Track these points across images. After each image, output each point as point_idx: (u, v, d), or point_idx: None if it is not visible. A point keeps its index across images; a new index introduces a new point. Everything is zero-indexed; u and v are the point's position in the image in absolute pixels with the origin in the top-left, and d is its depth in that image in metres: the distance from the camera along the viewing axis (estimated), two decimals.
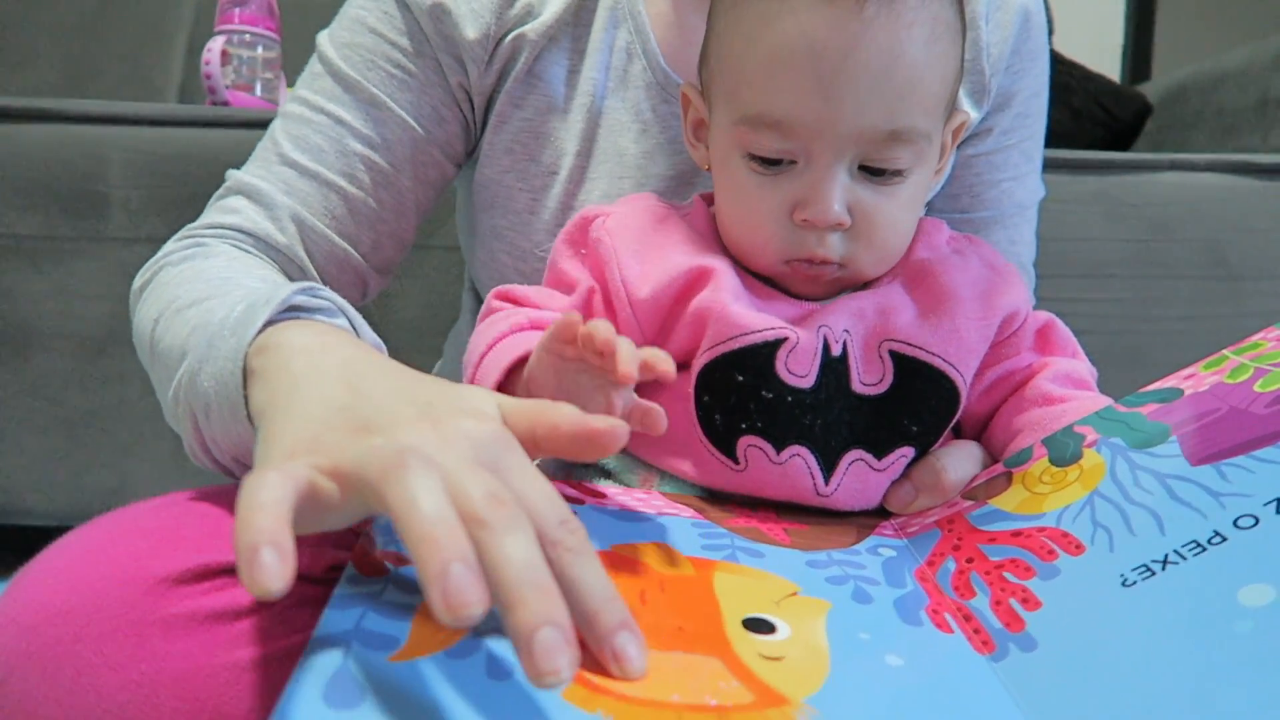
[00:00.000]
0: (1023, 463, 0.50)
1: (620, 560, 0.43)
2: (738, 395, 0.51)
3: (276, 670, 0.43)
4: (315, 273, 0.62)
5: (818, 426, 0.52)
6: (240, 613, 0.43)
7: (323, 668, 0.31)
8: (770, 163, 0.52)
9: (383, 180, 0.64)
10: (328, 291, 0.48)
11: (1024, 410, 0.55)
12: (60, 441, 1.12)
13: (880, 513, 0.54)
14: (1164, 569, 0.38)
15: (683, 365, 0.54)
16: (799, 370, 0.52)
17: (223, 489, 0.52)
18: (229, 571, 0.44)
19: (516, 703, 0.31)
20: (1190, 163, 1.21)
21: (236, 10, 1.24)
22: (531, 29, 0.63)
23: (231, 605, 0.43)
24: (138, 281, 0.59)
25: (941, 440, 0.55)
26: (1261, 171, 1.21)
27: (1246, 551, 0.37)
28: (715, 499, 0.54)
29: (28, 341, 1.10)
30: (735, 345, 0.51)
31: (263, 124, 1.12)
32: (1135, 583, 0.38)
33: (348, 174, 0.63)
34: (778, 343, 0.51)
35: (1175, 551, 0.38)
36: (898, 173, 0.52)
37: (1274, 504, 0.37)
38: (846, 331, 0.53)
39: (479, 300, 0.74)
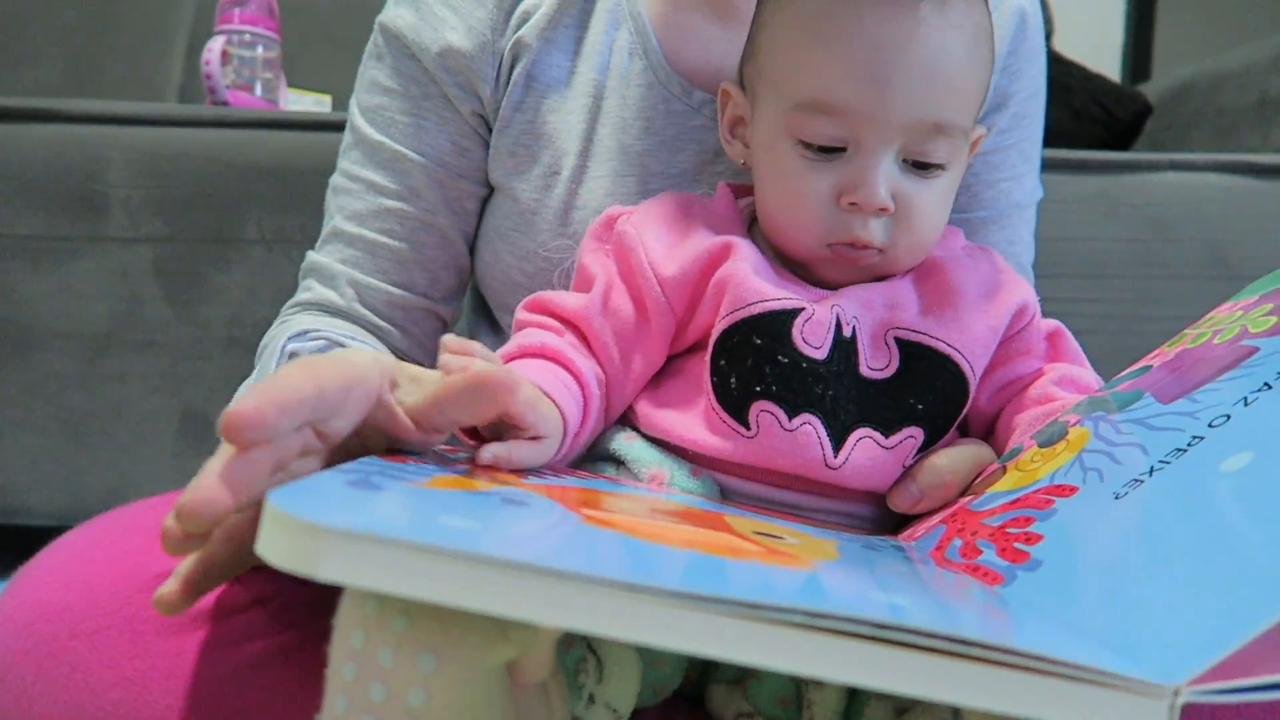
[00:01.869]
0: (1014, 455, 0.52)
1: (631, 495, 0.45)
2: (754, 358, 0.53)
3: (270, 667, 0.43)
4: (380, 321, 0.68)
5: (828, 398, 0.53)
6: (234, 610, 0.44)
7: (342, 476, 0.32)
8: (820, 149, 0.54)
9: (420, 226, 0.68)
10: (320, 329, 0.57)
11: (1025, 408, 0.56)
12: (60, 441, 1.12)
13: (888, 530, 0.55)
14: (1151, 476, 0.40)
15: (703, 346, 0.55)
16: (814, 340, 0.53)
17: None
18: None
19: (533, 518, 0.33)
20: (1190, 163, 1.21)
21: (236, 10, 1.24)
22: (526, 32, 0.65)
23: (225, 603, 0.43)
24: (255, 363, 0.67)
25: (949, 437, 0.56)
26: (1261, 171, 1.21)
27: (1223, 438, 0.38)
28: (724, 494, 0.55)
29: (28, 341, 1.10)
30: (755, 310, 0.53)
31: (263, 124, 1.13)
32: (1126, 494, 0.40)
33: (386, 230, 0.68)
34: (795, 311, 0.53)
35: (1159, 461, 0.40)
36: (938, 166, 0.55)
37: (1241, 402, 0.40)
38: (855, 317, 0.54)
39: (483, 301, 0.74)
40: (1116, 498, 0.40)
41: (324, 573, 0.25)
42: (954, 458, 0.54)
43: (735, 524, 0.42)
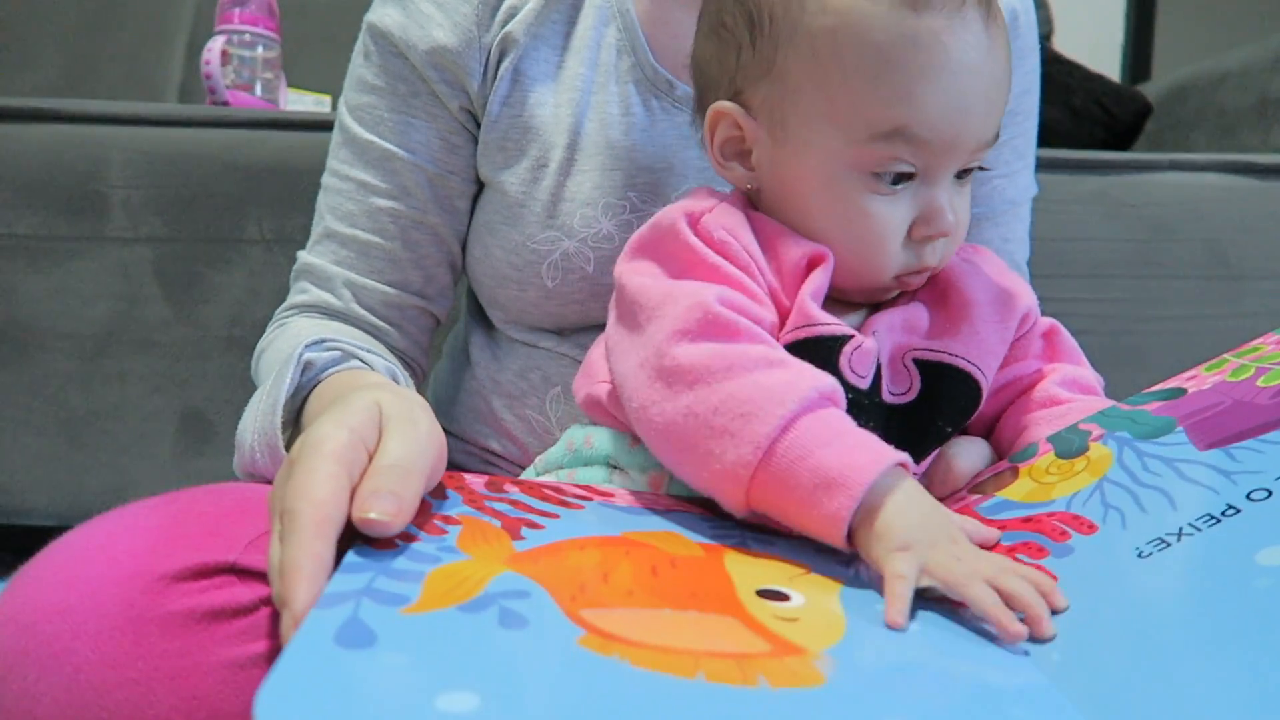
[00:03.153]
0: (1028, 458, 0.51)
1: (631, 542, 0.43)
2: None
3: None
4: (378, 321, 0.68)
5: (868, 429, 0.52)
6: (238, 611, 0.43)
7: (332, 618, 0.31)
8: (893, 181, 0.53)
9: (411, 224, 0.68)
10: (336, 339, 0.57)
11: (1030, 410, 0.57)
12: (60, 441, 1.12)
13: None
14: (1179, 540, 0.38)
15: None
16: (861, 370, 0.52)
17: (221, 487, 0.52)
18: (227, 570, 0.45)
19: (531, 648, 0.32)
20: (1190, 163, 1.21)
21: (236, 10, 1.24)
22: (514, 27, 0.65)
23: (229, 603, 0.43)
24: (252, 366, 0.69)
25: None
26: (1261, 171, 1.21)
27: (1262, 519, 0.37)
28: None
29: (28, 341, 1.10)
30: (806, 334, 0.52)
31: (263, 124, 1.12)
32: (1150, 554, 0.38)
33: (379, 230, 0.68)
34: (845, 339, 0.52)
35: (1189, 524, 0.39)
36: (969, 172, 0.55)
37: None
38: (883, 342, 0.54)
39: (477, 301, 0.74)
40: (1140, 556, 0.39)
41: None
42: (960, 450, 0.54)
43: (738, 579, 0.40)
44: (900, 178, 0.52)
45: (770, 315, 0.52)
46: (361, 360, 0.57)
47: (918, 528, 0.42)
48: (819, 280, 0.53)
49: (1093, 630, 0.37)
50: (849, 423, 0.46)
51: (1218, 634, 0.33)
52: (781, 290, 0.53)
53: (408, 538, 0.38)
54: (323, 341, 0.56)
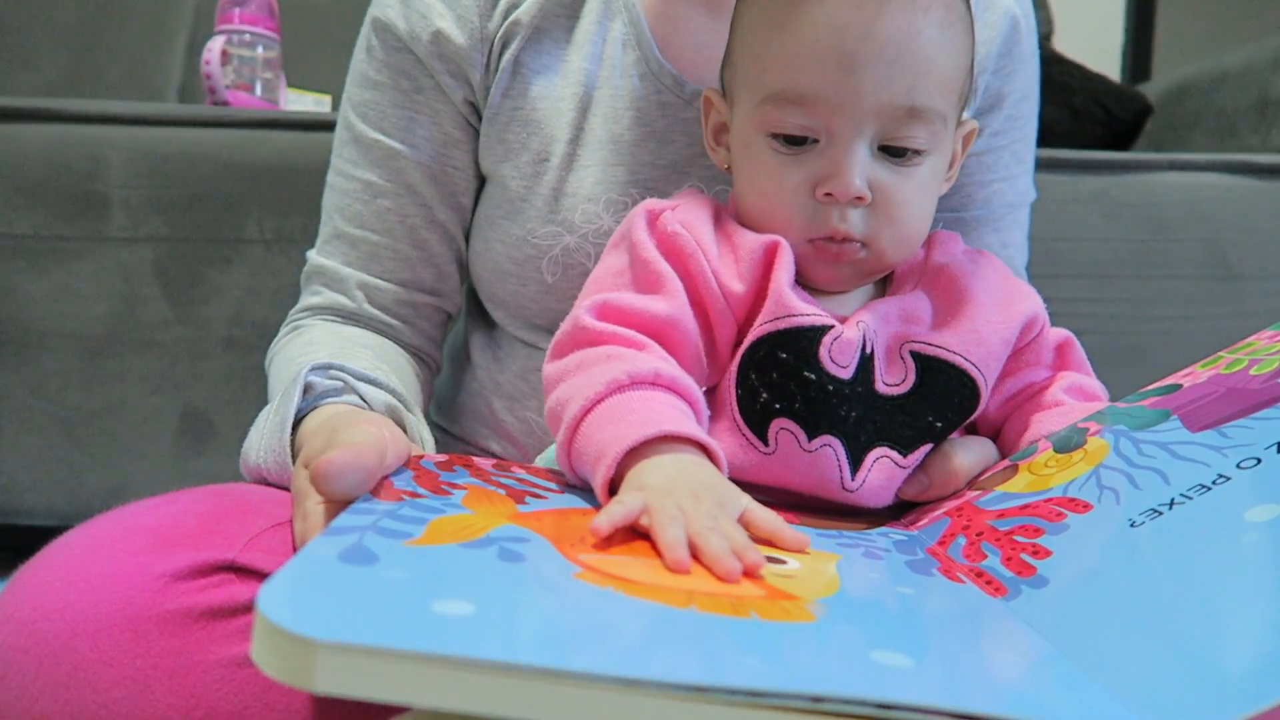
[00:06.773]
0: (1028, 455, 0.52)
1: None
2: (780, 373, 0.52)
3: None
4: (390, 319, 0.69)
5: (851, 419, 0.53)
6: (235, 609, 0.44)
7: (337, 543, 0.32)
8: (793, 142, 0.53)
9: (420, 222, 0.68)
10: (344, 366, 0.56)
11: (1034, 412, 0.57)
12: (60, 441, 1.12)
13: (890, 515, 0.55)
14: (1171, 509, 0.39)
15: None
16: (841, 360, 0.53)
17: (221, 487, 0.53)
18: (225, 568, 0.45)
19: (528, 576, 0.33)
20: (1190, 163, 1.21)
21: (236, 10, 1.24)
22: (516, 19, 0.65)
23: (227, 602, 0.44)
24: (266, 366, 0.69)
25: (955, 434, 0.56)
26: (1261, 171, 1.21)
27: (1251, 484, 0.38)
28: None
29: (28, 341, 1.10)
30: (784, 324, 0.52)
31: (263, 124, 1.13)
32: (1143, 523, 0.39)
33: (387, 230, 0.68)
34: (824, 329, 0.53)
35: (1181, 494, 0.40)
36: (916, 153, 0.54)
37: (1274, 446, 0.39)
38: (874, 332, 0.54)
39: (477, 301, 0.74)
40: (1133, 525, 0.39)
41: (321, 686, 0.25)
42: (963, 449, 0.54)
43: None
44: (798, 140, 0.53)
45: (665, 306, 0.53)
46: (361, 397, 0.56)
47: (662, 478, 0.43)
48: (787, 267, 0.54)
49: (1089, 594, 0.37)
50: (651, 401, 0.48)
51: (1208, 586, 0.34)
52: (737, 275, 0.54)
53: (414, 494, 0.40)
54: (329, 368, 0.56)
